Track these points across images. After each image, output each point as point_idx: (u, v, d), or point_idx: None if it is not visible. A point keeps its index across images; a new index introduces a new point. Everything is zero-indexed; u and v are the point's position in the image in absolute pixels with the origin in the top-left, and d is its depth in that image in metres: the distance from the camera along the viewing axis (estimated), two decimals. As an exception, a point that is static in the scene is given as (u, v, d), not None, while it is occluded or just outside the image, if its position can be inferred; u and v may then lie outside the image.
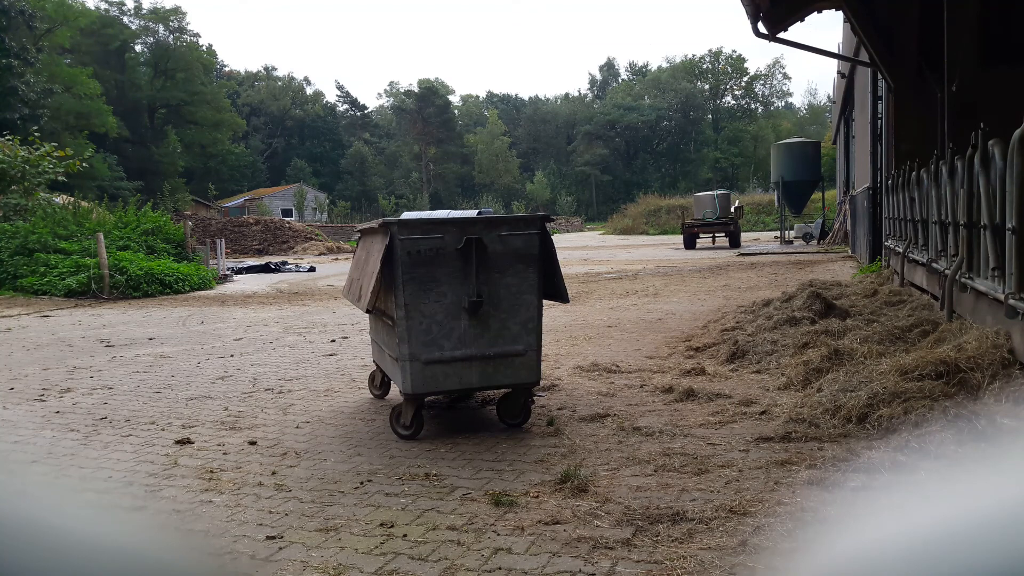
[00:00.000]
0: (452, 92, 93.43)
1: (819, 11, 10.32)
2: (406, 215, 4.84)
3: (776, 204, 30.32)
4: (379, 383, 5.16)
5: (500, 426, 4.25)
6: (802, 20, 10.34)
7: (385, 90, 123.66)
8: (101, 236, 13.88)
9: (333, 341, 7.87)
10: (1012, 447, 0.45)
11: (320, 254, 30.18)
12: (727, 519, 2.77)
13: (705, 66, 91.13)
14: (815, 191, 28.09)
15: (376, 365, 5.17)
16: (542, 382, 4.61)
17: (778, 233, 27.80)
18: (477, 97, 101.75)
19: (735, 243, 24.90)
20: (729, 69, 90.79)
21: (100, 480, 3.62)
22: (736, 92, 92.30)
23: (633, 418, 4.27)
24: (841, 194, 24.59)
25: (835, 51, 16.52)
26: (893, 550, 0.43)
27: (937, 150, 7.28)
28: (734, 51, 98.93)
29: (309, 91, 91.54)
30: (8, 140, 18.36)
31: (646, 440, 3.85)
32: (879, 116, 12.16)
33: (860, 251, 14.83)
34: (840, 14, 10.91)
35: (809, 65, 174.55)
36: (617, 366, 5.76)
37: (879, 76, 11.21)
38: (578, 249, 28.22)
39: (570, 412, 4.49)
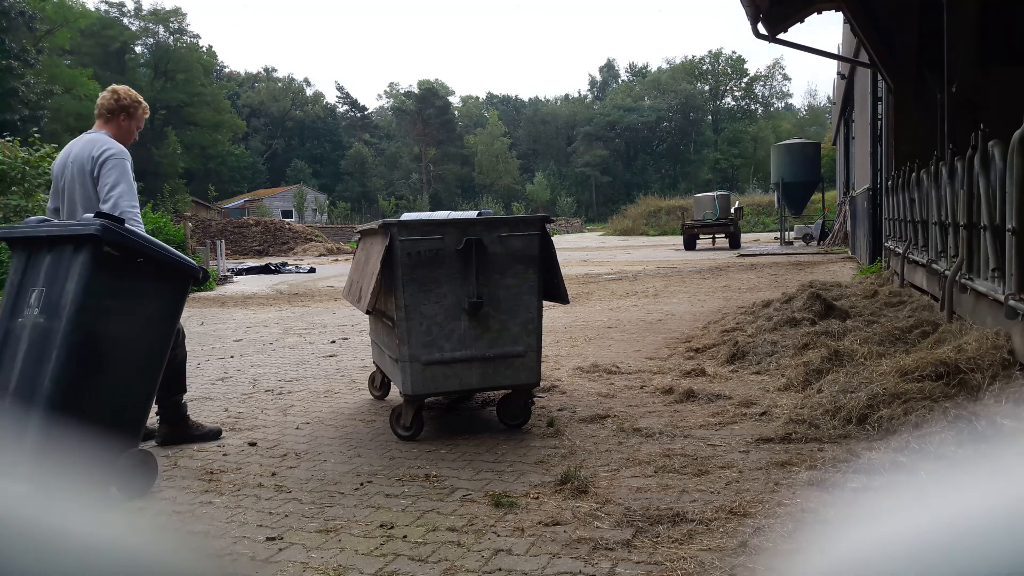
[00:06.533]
0: (452, 93, 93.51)
1: (819, 12, 10.32)
2: (406, 216, 4.83)
3: (776, 205, 30.32)
4: (379, 384, 5.16)
5: (500, 427, 4.25)
6: (802, 21, 10.35)
7: (385, 91, 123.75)
8: (101, 237, 13.88)
9: (333, 342, 7.87)
10: (1012, 448, 0.45)
11: (320, 255, 30.19)
12: (727, 520, 2.77)
13: (705, 67, 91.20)
14: (815, 192, 28.09)
15: (376, 366, 5.17)
16: (542, 383, 4.61)
17: (778, 234, 27.80)
18: (477, 98, 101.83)
19: (735, 244, 24.89)
20: (729, 70, 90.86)
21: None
22: (736, 93, 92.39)
23: (633, 419, 4.27)
24: (841, 195, 24.59)
25: (835, 52, 16.53)
26: (893, 551, 0.43)
27: (937, 151, 7.28)
28: (734, 52, 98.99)
29: (309, 92, 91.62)
30: (8, 141, 18.37)
31: (646, 441, 3.85)
32: (879, 117, 12.16)
33: (860, 252, 14.83)
34: (840, 15, 10.91)
35: (809, 66, 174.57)
36: (617, 367, 5.76)
37: (879, 77, 11.21)
38: (578, 250, 28.23)
39: (570, 413, 4.49)
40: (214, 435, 4.29)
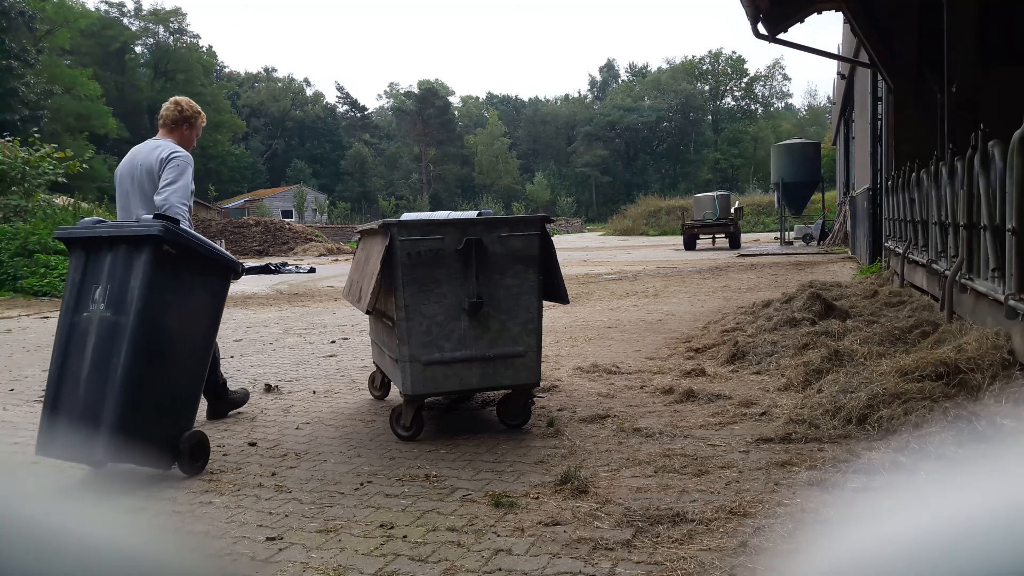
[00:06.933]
0: (452, 93, 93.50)
1: (819, 12, 10.32)
2: (406, 216, 4.82)
3: (776, 205, 30.31)
4: (379, 384, 5.16)
5: (500, 427, 4.25)
6: (802, 21, 10.34)
7: (385, 91, 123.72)
8: (101, 237, 13.86)
9: (333, 342, 7.87)
10: (1012, 448, 0.45)
11: (320, 255, 30.17)
12: (727, 520, 2.77)
13: (705, 67, 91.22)
14: (815, 192, 28.07)
15: (376, 366, 5.17)
16: (542, 383, 4.61)
17: (778, 234, 27.79)
18: (477, 98, 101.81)
19: (735, 244, 24.88)
20: (729, 70, 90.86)
21: (100, 482, 3.61)
22: (736, 93, 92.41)
23: (633, 419, 4.27)
24: (841, 195, 24.59)
25: (835, 52, 16.53)
26: (893, 551, 0.43)
27: (937, 151, 7.29)
28: (734, 52, 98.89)
29: (309, 92, 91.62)
30: (8, 141, 18.36)
31: (646, 441, 3.85)
32: (879, 117, 12.16)
33: (860, 252, 14.84)
34: (840, 15, 10.91)
35: (809, 66, 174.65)
36: (617, 367, 5.76)
37: (879, 77, 11.21)
38: (578, 250, 28.22)
39: (570, 413, 4.49)
40: (245, 397, 4.92)
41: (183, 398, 3.66)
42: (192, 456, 3.63)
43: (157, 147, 4.39)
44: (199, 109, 4.62)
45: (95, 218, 3.80)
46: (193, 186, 4.45)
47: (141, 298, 3.40)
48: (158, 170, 4.29)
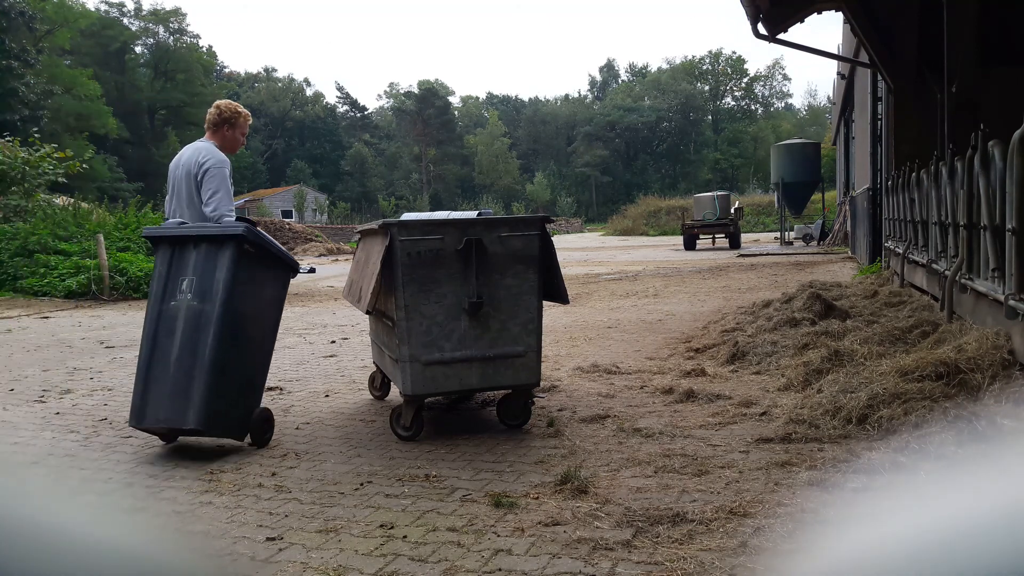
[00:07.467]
0: (452, 93, 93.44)
1: (819, 12, 10.32)
2: (406, 216, 4.85)
3: (776, 205, 30.30)
4: (379, 384, 5.16)
5: (500, 427, 4.25)
6: (802, 21, 10.34)
7: (385, 91, 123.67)
8: (101, 237, 13.86)
9: (333, 342, 7.87)
10: (1012, 448, 0.45)
11: (320, 255, 30.15)
12: (727, 520, 2.77)
13: (705, 67, 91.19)
14: (815, 192, 28.06)
15: (376, 366, 5.17)
16: (542, 383, 4.61)
17: (778, 234, 27.78)
18: (477, 98, 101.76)
19: (735, 244, 24.88)
20: (729, 70, 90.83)
21: (100, 482, 3.62)
22: (736, 93, 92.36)
23: (633, 419, 4.27)
24: (841, 195, 24.58)
25: (835, 52, 16.52)
26: (893, 551, 0.43)
27: (937, 151, 7.28)
28: (734, 52, 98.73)
29: (309, 92, 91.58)
30: (8, 141, 18.35)
31: (646, 441, 3.85)
32: (879, 117, 12.16)
33: (860, 252, 14.84)
34: (840, 15, 10.91)
35: (809, 66, 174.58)
36: (617, 367, 5.76)
37: (879, 77, 11.21)
38: (578, 250, 28.21)
39: (570, 413, 4.49)
40: None
41: (254, 378, 4.12)
42: (262, 429, 4.07)
43: (198, 150, 4.65)
44: (239, 110, 4.81)
45: (177, 220, 4.32)
46: (232, 188, 4.69)
47: (225, 289, 3.84)
48: (196, 172, 4.55)
